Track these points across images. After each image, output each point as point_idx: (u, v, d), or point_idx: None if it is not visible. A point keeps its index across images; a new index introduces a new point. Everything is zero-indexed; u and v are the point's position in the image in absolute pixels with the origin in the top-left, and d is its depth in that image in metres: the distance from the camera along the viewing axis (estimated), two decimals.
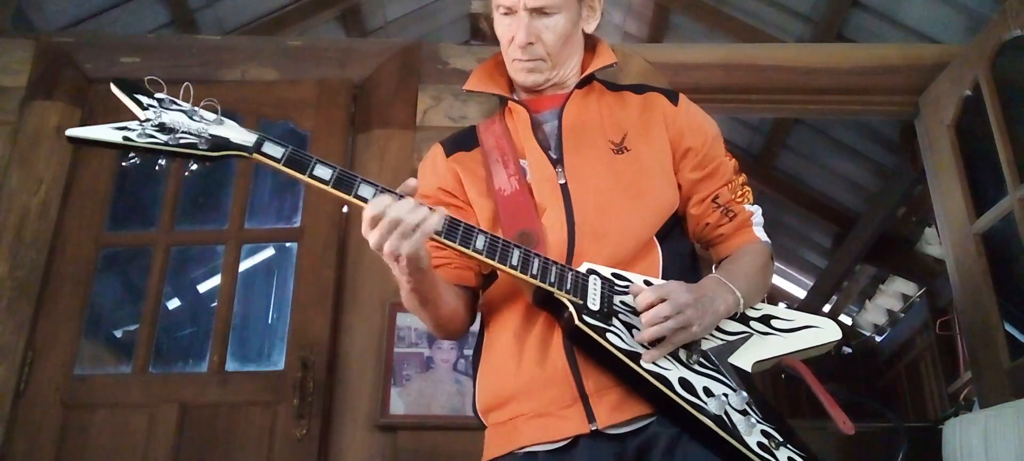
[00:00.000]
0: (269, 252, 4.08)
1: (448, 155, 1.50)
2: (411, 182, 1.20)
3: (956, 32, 3.43)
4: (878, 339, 6.51)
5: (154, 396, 2.67)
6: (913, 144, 3.60)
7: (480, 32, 3.46)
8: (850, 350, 6.35)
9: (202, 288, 4.30)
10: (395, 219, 1.15)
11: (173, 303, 4.05)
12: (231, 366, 2.75)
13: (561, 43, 1.43)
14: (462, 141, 1.53)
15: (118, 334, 3.73)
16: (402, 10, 4.64)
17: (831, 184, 5.27)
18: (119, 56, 3.12)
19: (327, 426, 2.62)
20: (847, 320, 6.78)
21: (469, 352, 2.69)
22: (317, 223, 2.87)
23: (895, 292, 6.05)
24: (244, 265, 3.09)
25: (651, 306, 1.22)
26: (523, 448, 1.29)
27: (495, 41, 1.54)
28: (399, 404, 2.62)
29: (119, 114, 1.19)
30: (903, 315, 6.11)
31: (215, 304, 2.87)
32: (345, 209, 2.89)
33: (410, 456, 2.58)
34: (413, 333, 2.71)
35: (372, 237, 1.17)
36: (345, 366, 2.69)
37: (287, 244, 3.12)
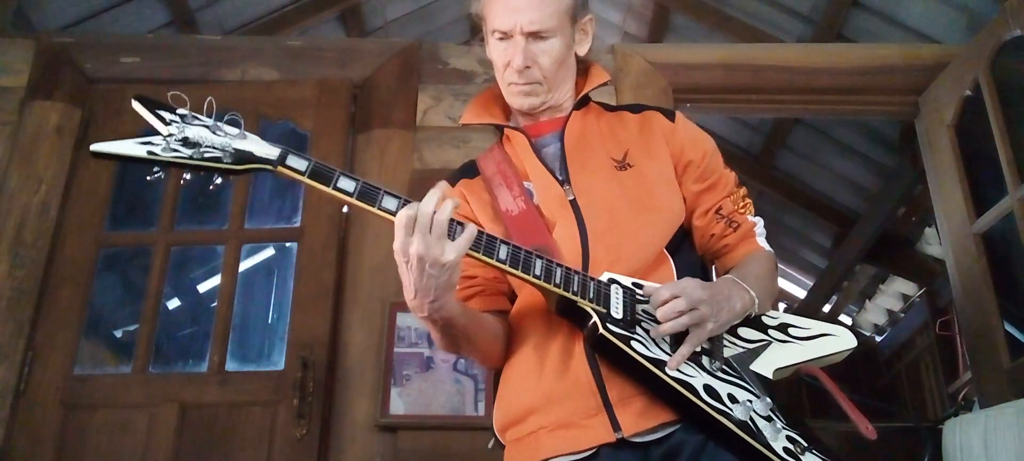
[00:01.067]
0: (269, 252, 4.08)
1: (453, 184, 1.51)
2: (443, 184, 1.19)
3: (956, 32, 3.43)
4: (878, 339, 6.51)
5: (154, 396, 2.67)
6: (913, 144, 3.60)
7: (480, 32, 3.46)
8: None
9: (202, 288, 4.29)
10: (428, 213, 1.13)
11: (173, 303, 4.04)
12: (231, 366, 2.75)
13: (556, 66, 1.44)
14: (464, 172, 1.55)
15: (118, 334, 3.73)
16: (402, 10, 4.64)
17: (831, 184, 5.27)
18: (119, 56, 3.12)
19: (327, 426, 2.62)
20: (847, 320, 6.78)
21: None
22: (317, 223, 2.87)
23: (895, 292, 6.05)
24: (244, 265, 3.09)
25: (665, 302, 1.23)
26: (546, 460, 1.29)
27: None
28: (399, 404, 2.62)
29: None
30: (903, 315, 6.11)
31: (215, 304, 2.87)
32: (345, 209, 2.89)
33: (410, 456, 2.58)
34: (413, 333, 2.71)
35: (413, 244, 1.14)
36: (345, 366, 2.69)
37: (287, 244, 3.12)
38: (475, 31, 3.59)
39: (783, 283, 7.04)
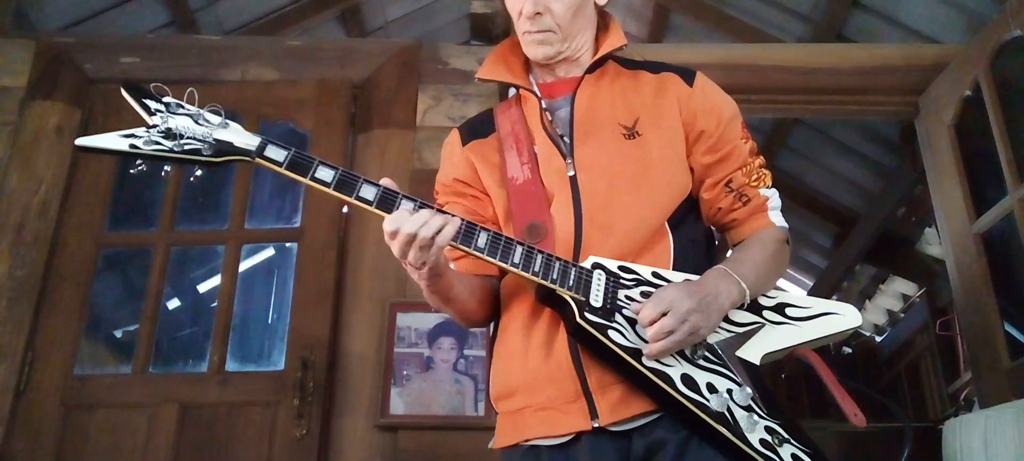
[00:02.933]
0: (269, 252, 4.08)
1: (464, 143, 1.50)
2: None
3: (956, 32, 3.43)
4: (878, 339, 6.51)
5: (154, 396, 2.67)
6: (913, 144, 3.60)
7: (480, 32, 3.45)
8: (850, 350, 6.35)
9: (202, 288, 4.29)
10: (410, 234, 1.17)
11: (173, 303, 4.05)
12: (231, 366, 2.75)
13: (571, 14, 1.41)
14: (478, 127, 1.52)
15: (118, 334, 3.73)
16: (402, 10, 4.64)
17: (831, 184, 5.27)
18: (119, 56, 3.12)
19: (327, 426, 2.62)
20: None
21: (469, 352, 2.69)
22: (317, 223, 2.87)
23: (895, 292, 6.05)
24: (244, 265, 3.09)
25: (653, 321, 1.20)
26: (528, 440, 1.30)
27: (497, 40, 1.53)
28: (399, 404, 2.62)
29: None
30: (903, 315, 6.11)
31: (215, 304, 2.87)
32: (345, 209, 2.89)
33: (410, 456, 2.58)
34: (413, 333, 2.71)
35: (393, 248, 1.19)
36: (345, 366, 2.69)
37: (287, 244, 3.12)
38: (475, 31, 3.59)
39: (783, 284, 7.03)
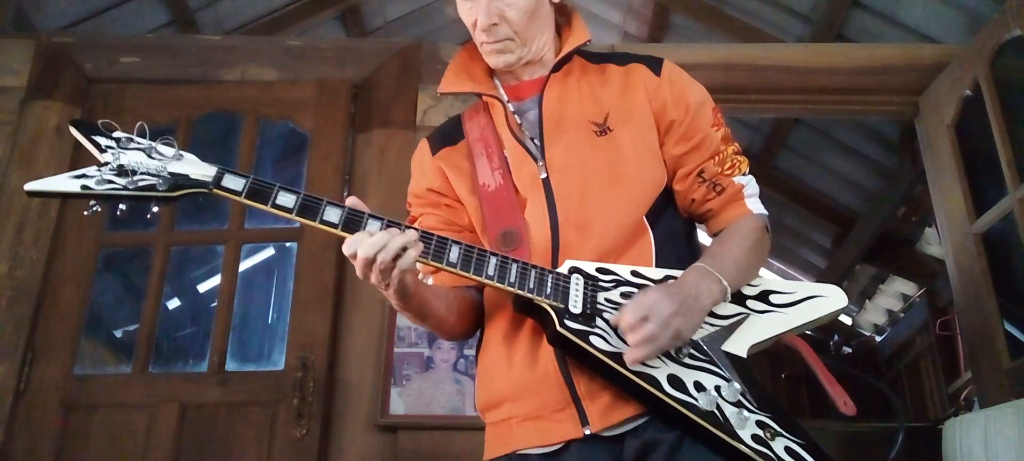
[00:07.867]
0: (269, 252, 4.09)
1: (434, 153, 1.48)
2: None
3: (956, 32, 3.43)
4: (878, 339, 6.50)
5: (154, 396, 2.67)
6: (913, 144, 3.61)
7: None
8: (850, 350, 6.35)
9: (202, 288, 4.30)
10: (368, 258, 1.13)
11: (173, 303, 4.05)
12: (231, 366, 2.75)
13: (526, 19, 1.37)
14: (447, 135, 1.50)
15: (118, 334, 3.73)
16: (402, 10, 4.64)
17: (831, 184, 5.27)
18: (119, 56, 3.12)
19: (327, 426, 2.62)
20: (847, 320, 6.78)
21: (469, 352, 2.69)
22: None
23: (895, 292, 6.04)
24: (244, 265, 3.09)
25: (633, 327, 1.16)
26: (516, 452, 1.28)
27: None
28: (399, 404, 2.62)
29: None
30: (903, 315, 6.11)
31: (215, 304, 2.87)
32: None
33: (410, 456, 2.58)
34: (413, 333, 2.71)
35: (356, 269, 1.16)
36: (345, 366, 2.69)
37: (287, 244, 3.12)
38: None
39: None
